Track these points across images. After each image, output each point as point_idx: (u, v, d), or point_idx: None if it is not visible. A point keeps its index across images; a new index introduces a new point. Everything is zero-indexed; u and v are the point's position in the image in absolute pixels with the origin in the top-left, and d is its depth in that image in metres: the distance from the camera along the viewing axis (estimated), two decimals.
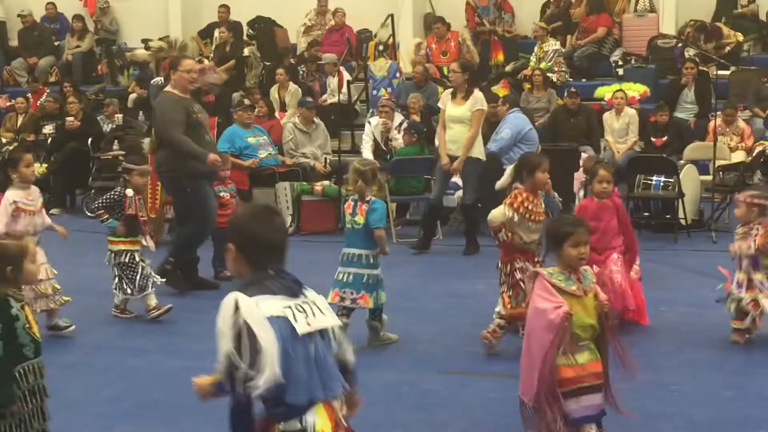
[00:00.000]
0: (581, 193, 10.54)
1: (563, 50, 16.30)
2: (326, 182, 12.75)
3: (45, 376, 4.54)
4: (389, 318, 7.59)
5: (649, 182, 11.71)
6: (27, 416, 4.44)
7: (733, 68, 15.40)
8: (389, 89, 15.78)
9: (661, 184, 11.67)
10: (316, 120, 13.73)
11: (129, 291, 8.19)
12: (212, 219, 9.19)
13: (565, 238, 4.90)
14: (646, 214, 11.88)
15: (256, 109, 13.80)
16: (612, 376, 5.04)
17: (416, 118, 13.59)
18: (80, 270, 9.28)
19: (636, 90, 15.02)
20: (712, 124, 13.26)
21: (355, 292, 7.29)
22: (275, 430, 3.42)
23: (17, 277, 4.49)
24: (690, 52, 15.60)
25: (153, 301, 8.21)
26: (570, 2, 17.10)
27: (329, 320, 3.55)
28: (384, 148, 13.09)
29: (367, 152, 12.93)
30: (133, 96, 16.90)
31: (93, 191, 13.97)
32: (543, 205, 7.16)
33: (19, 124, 16.24)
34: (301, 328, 3.41)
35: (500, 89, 15.17)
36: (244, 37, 18.08)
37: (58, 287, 7.69)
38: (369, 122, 13.56)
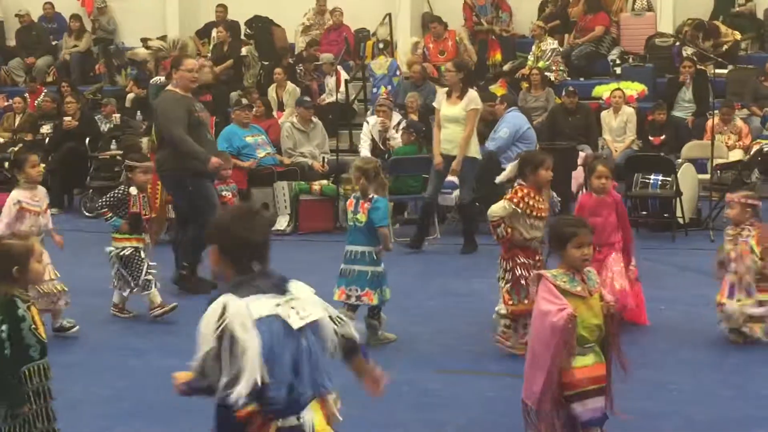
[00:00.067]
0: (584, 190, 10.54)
1: (561, 49, 16.30)
2: (324, 181, 12.75)
3: (50, 377, 4.53)
4: (387, 317, 7.60)
5: (647, 181, 11.71)
6: (31, 417, 4.43)
7: (730, 67, 15.40)
8: (389, 87, 15.80)
9: (659, 182, 11.67)
10: (314, 119, 13.74)
11: (130, 288, 8.18)
12: (215, 215, 9.21)
13: (568, 239, 4.86)
14: (644, 212, 11.88)
15: (254, 109, 13.80)
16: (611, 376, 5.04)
17: (414, 117, 13.60)
18: (79, 270, 9.27)
19: (634, 89, 15.03)
20: (709, 122, 13.27)
21: (359, 289, 7.34)
22: (272, 428, 3.42)
23: (24, 277, 4.47)
24: (688, 51, 15.61)
25: (157, 299, 8.20)
26: (568, 1, 17.10)
27: (319, 311, 3.55)
28: (382, 147, 13.10)
29: (365, 151, 12.94)
30: (130, 96, 16.90)
31: (91, 191, 13.97)
32: (547, 203, 7.14)
33: (16, 124, 16.23)
34: (296, 322, 3.42)
35: (498, 88, 15.17)
36: (242, 37, 18.08)
37: (66, 288, 7.70)
38: (367, 121, 13.58)
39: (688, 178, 11.87)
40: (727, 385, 6.57)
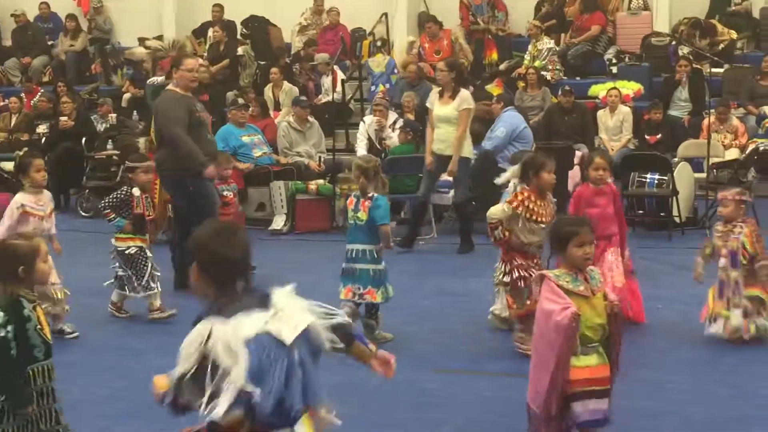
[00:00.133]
0: None
1: (557, 48, 16.31)
2: (321, 181, 12.75)
3: (54, 378, 4.52)
4: (384, 316, 7.60)
5: (644, 180, 11.72)
6: (35, 418, 4.43)
7: (726, 66, 15.42)
8: (387, 85, 15.81)
9: (656, 181, 11.68)
10: (311, 119, 13.74)
11: (131, 288, 8.17)
12: (216, 215, 9.24)
13: (569, 238, 4.83)
14: (641, 211, 11.88)
15: (250, 108, 13.80)
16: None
17: (410, 116, 13.60)
18: (76, 270, 9.24)
19: (630, 88, 15.03)
20: (705, 121, 13.28)
21: (361, 288, 7.37)
22: None
23: (30, 277, 4.46)
24: (684, 50, 15.62)
25: (157, 302, 8.20)
26: (564, 1, 17.10)
27: (306, 317, 3.46)
28: (378, 146, 13.10)
29: (361, 151, 12.94)
30: (127, 95, 16.88)
31: (87, 191, 13.96)
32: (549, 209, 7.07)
33: (12, 124, 16.21)
34: (288, 336, 3.35)
35: (494, 88, 15.17)
36: (238, 37, 18.07)
37: (68, 293, 7.69)
38: (363, 121, 13.58)
39: (684, 177, 11.88)
40: (725, 384, 6.57)
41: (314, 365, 3.48)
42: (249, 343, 3.28)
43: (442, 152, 10.79)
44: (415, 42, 16.90)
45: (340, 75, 15.78)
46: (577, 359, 4.78)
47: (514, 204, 6.95)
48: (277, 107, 15.58)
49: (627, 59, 16.22)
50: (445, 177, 11.12)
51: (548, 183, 7.05)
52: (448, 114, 10.70)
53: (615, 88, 14.48)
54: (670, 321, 7.97)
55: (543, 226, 6.88)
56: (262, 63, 17.28)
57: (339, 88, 15.25)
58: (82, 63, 19.03)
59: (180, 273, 9.14)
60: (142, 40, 17.59)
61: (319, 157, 13.48)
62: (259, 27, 18.19)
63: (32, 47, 19.33)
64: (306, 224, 12.34)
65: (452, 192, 11.57)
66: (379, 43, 17.07)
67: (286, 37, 18.21)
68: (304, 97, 14.81)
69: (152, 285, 8.16)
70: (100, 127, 15.40)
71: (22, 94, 17.17)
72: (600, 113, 14.33)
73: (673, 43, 15.99)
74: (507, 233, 6.99)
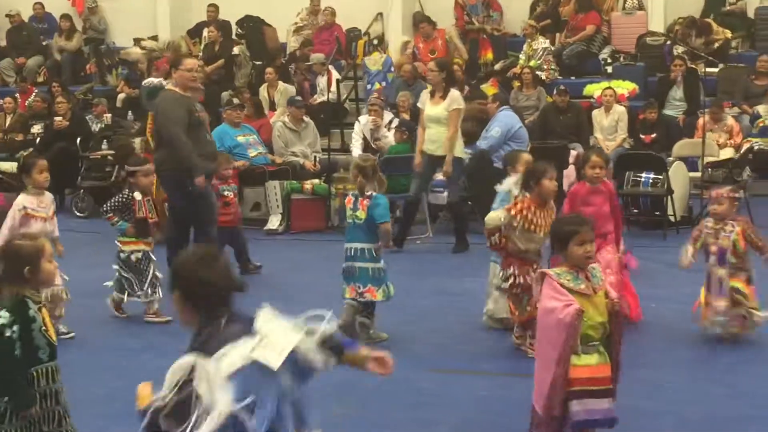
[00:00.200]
0: None
1: (552, 48, 16.32)
2: (316, 181, 12.75)
3: (59, 380, 4.50)
4: (380, 316, 7.60)
5: (638, 179, 11.73)
6: (37, 420, 4.41)
7: (721, 65, 15.44)
8: (384, 83, 15.81)
9: (650, 181, 11.69)
10: (306, 119, 13.73)
11: (132, 292, 8.17)
12: (215, 216, 9.30)
13: (570, 237, 4.80)
14: (635, 210, 11.90)
15: (245, 108, 13.79)
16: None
17: (406, 116, 13.60)
18: (70, 271, 9.20)
19: (625, 87, 15.05)
20: (700, 121, 13.30)
21: (362, 286, 7.39)
22: None
23: (35, 278, 4.43)
24: (678, 50, 15.64)
25: (155, 306, 8.21)
26: (559, 0, 17.11)
27: (291, 339, 3.38)
28: (373, 146, 13.10)
29: (356, 151, 12.93)
30: (121, 96, 16.86)
31: (82, 191, 13.94)
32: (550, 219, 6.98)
33: (7, 124, 16.16)
34: (275, 361, 3.27)
35: (489, 87, 15.18)
36: (233, 37, 18.06)
37: (69, 295, 7.69)
38: (358, 120, 13.58)
39: (679, 176, 11.90)
40: (721, 383, 6.59)
41: (304, 386, 3.42)
42: (235, 376, 3.21)
43: (432, 152, 10.81)
44: (410, 42, 16.90)
45: (336, 75, 15.78)
46: (577, 358, 4.76)
47: (513, 213, 6.92)
48: (272, 107, 15.57)
49: (622, 59, 16.22)
50: (440, 177, 11.12)
51: (550, 190, 6.99)
52: (438, 114, 10.72)
53: (610, 87, 14.48)
54: (665, 320, 7.97)
55: (542, 236, 6.82)
56: (258, 63, 17.27)
57: (334, 87, 15.24)
58: (77, 63, 19.01)
59: None
60: (137, 41, 17.57)
61: (315, 157, 13.47)
62: (254, 27, 18.18)
63: (27, 47, 19.29)
64: (301, 224, 12.33)
65: (447, 192, 11.58)
66: (375, 41, 17.07)
67: (282, 37, 18.21)
68: (299, 97, 14.80)
69: (151, 291, 8.16)
70: (95, 127, 15.36)
71: (17, 95, 17.13)
72: (595, 113, 14.34)
73: (668, 42, 16.01)
74: (504, 240, 6.98)
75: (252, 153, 12.77)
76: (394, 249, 10.86)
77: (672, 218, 11.57)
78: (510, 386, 6.55)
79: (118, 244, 8.33)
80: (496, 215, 7.06)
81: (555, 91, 14.57)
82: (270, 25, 18.19)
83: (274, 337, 3.34)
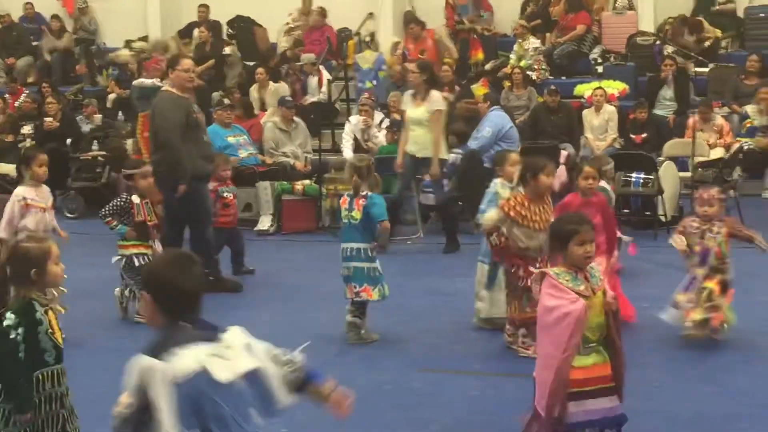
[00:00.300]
0: None
1: (543, 48, 16.33)
2: (307, 181, 12.73)
3: (64, 383, 4.48)
4: (372, 317, 7.61)
5: (629, 179, 11.74)
6: (40, 423, 4.40)
7: (711, 65, 15.47)
8: (374, 81, 15.81)
9: (641, 181, 11.70)
10: (296, 119, 13.73)
11: (133, 296, 8.17)
12: (210, 219, 9.35)
13: (570, 236, 4.72)
14: (626, 210, 11.90)
15: (236, 109, 13.78)
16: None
17: (396, 116, 13.60)
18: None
19: (615, 87, 15.07)
20: (690, 120, 13.33)
21: (357, 286, 7.41)
22: None
23: (42, 280, 4.42)
24: (669, 49, 15.67)
25: None
26: (549, 0, 17.12)
27: (253, 361, 3.36)
28: (365, 146, 13.10)
29: (347, 151, 12.94)
30: (112, 96, 16.84)
31: (73, 192, 13.91)
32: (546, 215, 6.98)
33: None
34: (223, 375, 3.25)
35: (480, 88, 15.17)
36: (224, 37, 18.03)
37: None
38: (349, 120, 13.57)
39: (669, 176, 11.91)
40: (711, 382, 6.60)
41: (263, 410, 3.37)
42: (181, 381, 3.19)
43: (414, 154, 10.82)
44: (399, 43, 16.88)
45: (326, 75, 15.77)
46: (575, 359, 4.71)
47: (506, 209, 6.93)
48: (263, 108, 15.55)
49: (612, 59, 16.23)
50: (427, 178, 11.15)
51: (546, 186, 6.99)
52: (419, 116, 10.73)
53: (600, 87, 14.50)
54: (655, 319, 7.95)
55: (540, 232, 6.77)
56: (250, 64, 17.24)
57: (325, 88, 15.24)
58: (67, 64, 18.96)
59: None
60: (128, 43, 17.54)
61: (305, 158, 13.47)
62: (244, 27, 18.18)
63: (17, 48, 19.24)
64: (292, 225, 12.32)
65: (433, 193, 11.57)
66: (368, 39, 17.06)
67: (272, 38, 18.19)
68: (289, 98, 14.79)
69: None
70: (85, 128, 15.34)
71: (7, 95, 17.07)
72: (585, 113, 14.35)
73: (658, 42, 16.04)
74: (503, 239, 6.96)
75: (242, 154, 12.76)
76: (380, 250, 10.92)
77: (663, 218, 11.59)
78: (502, 386, 6.56)
79: (118, 250, 8.31)
80: (490, 215, 7.07)
81: (546, 91, 14.58)
82: (261, 26, 18.19)
83: (235, 352, 3.33)
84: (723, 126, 13.74)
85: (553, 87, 14.60)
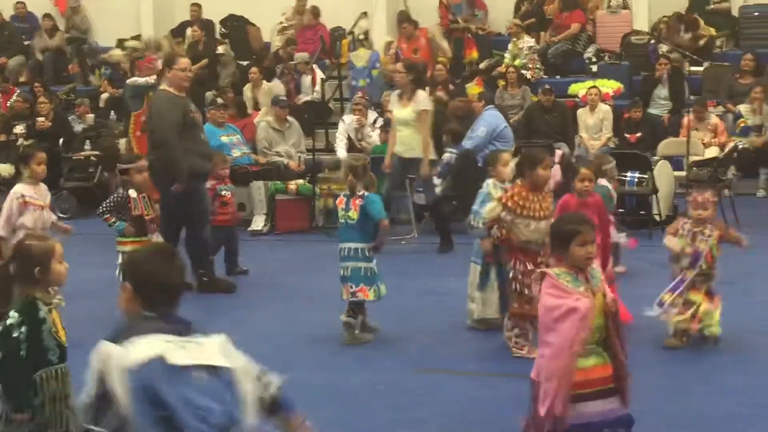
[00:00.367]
0: None
1: (537, 47, 16.31)
2: (300, 181, 12.69)
3: (68, 383, 4.43)
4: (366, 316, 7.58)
5: (624, 178, 11.69)
6: (44, 422, 4.35)
7: (706, 64, 15.47)
8: (368, 79, 15.78)
9: (636, 180, 11.68)
10: (290, 118, 13.68)
11: None
12: (208, 218, 9.32)
13: (571, 237, 4.66)
14: (621, 210, 11.87)
15: (229, 108, 13.73)
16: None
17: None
18: None
19: (610, 86, 15.05)
20: (685, 119, 13.31)
21: (354, 286, 7.39)
22: None
23: (45, 278, 4.40)
24: (663, 49, 15.66)
25: None
26: None
27: (221, 360, 3.31)
28: (358, 146, 13.06)
29: (341, 150, 12.90)
30: (104, 96, 16.79)
31: (65, 192, 13.85)
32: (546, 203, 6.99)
33: None
34: (178, 360, 3.22)
35: (474, 87, 15.16)
36: (217, 36, 17.99)
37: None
38: (343, 120, 13.54)
39: (664, 175, 11.89)
40: (703, 381, 6.60)
41: (227, 414, 3.26)
42: (135, 368, 3.20)
43: (401, 154, 10.80)
44: (392, 43, 16.85)
45: (320, 74, 15.73)
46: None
47: (504, 199, 6.92)
48: (256, 107, 15.51)
49: (607, 58, 16.23)
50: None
51: (543, 178, 6.99)
52: (406, 117, 10.72)
53: (595, 86, 14.49)
54: (649, 318, 7.92)
55: (541, 221, 6.79)
56: (243, 63, 17.20)
57: (318, 87, 15.19)
58: (60, 63, 18.88)
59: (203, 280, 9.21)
60: (120, 42, 17.49)
61: (299, 157, 13.43)
62: (237, 26, 18.15)
63: (8, 47, 19.16)
64: (286, 224, 12.28)
65: (423, 193, 11.53)
66: (362, 36, 17.03)
67: (265, 37, 18.15)
68: (283, 97, 14.74)
69: None
70: (78, 127, 15.30)
71: None
72: (580, 112, 14.34)
73: (653, 41, 16.03)
74: (503, 231, 6.93)
75: (236, 153, 12.70)
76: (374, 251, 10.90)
77: (657, 217, 11.57)
78: (497, 386, 6.54)
79: (117, 246, 8.26)
80: (490, 206, 7.05)
81: (540, 90, 14.57)
82: (254, 25, 18.16)
83: (201, 348, 3.30)
84: (718, 125, 13.74)
85: (547, 86, 14.59)
